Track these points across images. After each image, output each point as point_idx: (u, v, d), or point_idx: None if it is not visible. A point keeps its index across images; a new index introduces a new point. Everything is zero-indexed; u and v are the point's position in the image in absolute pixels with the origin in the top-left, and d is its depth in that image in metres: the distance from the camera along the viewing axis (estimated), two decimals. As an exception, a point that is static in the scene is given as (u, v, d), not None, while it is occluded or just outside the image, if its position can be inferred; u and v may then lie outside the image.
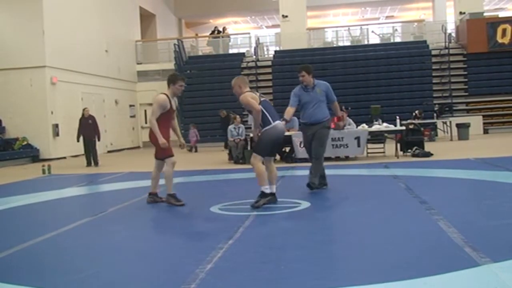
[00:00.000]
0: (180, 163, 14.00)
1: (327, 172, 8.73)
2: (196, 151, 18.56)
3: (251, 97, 6.19)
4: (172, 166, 6.58)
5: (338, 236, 4.92)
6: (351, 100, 19.80)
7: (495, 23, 21.59)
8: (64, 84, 17.84)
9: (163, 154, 6.58)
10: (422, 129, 14.03)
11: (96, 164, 14.12)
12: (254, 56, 23.47)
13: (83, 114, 14.54)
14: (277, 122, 6.26)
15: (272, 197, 6.35)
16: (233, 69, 22.90)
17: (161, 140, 6.37)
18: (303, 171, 9.10)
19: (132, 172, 12.09)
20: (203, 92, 22.23)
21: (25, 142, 16.87)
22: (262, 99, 6.30)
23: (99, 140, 14.66)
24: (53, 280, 3.85)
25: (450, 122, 18.18)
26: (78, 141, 14.55)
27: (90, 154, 14.20)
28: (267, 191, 6.18)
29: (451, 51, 22.01)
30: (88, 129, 14.27)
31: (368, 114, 17.59)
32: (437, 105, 20.41)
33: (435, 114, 19.27)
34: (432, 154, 11.99)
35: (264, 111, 6.17)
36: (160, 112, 6.48)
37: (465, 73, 21.77)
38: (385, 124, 12.87)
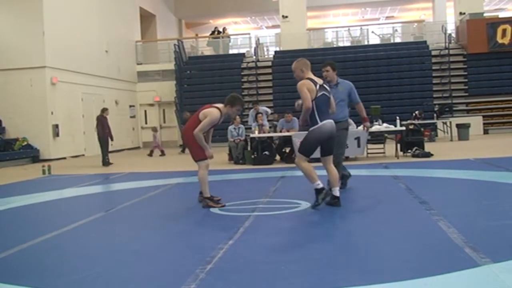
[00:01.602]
0: (180, 163, 13.97)
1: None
2: (163, 154, 17.44)
3: (308, 88, 5.77)
4: (206, 168, 6.51)
5: (338, 237, 4.92)
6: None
7: (495, 23, 21.59)
8: (64, 85, 17.84)
9: (197, 156, 6.51)
10: (422, 129, 14.03)
11: (108, 163, 14.28)
12: (254, 57, 23.47)
13: (102, 114, 14.54)
14: (326, 121, 5.88)
15: (337, 201, 6.02)
16: (233, 69, 22.95)
17: (209, 153, 6.47)
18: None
19: (132, 172, 12.09)
20: (203, 92, 22.22)
21: (25, 143, 16.87)
22: (320, 93, 5.82)
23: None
24: (53, 280, 3.85)
25: (450, 122, 18.18)
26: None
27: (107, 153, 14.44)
28: (319, 186, 5.83)
29: (451, 52, 22.01)
30: (108, 129, 14.46)
31: (368, 114, 17.52)
32: (437, 106, 20.41)
33: (435, 115, 19.27)
34: (432, 155, 11.99)
35: (315, 109, 5.80)
36: (208, 128, 6.48)
37: (465, 73, 21.77)
38: (385, 124, 12.87)
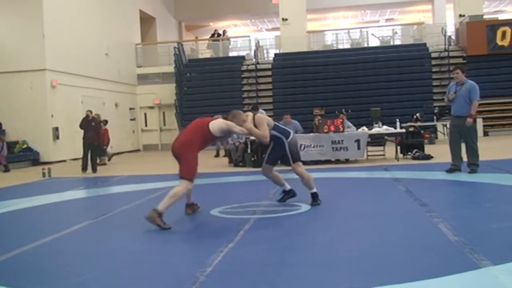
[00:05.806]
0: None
1: (327, 175, 8.69)
2: (6, 170, 14.63)
3: (267, 122, 6.38)
4: (186, 189, 5.70)
5: (338, 239, 4.91)
6: (351, 103, 19.82)
7: (494, 25, 21.59)
8: (64, 87, 17.84)
9: (186, 174, 5.67)
10: (422, 131, 14.01)
11: (95, 170, 13.17)
12: (254, 59, 23.46)
13: (87, 115, 13.72)
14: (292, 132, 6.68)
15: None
16: (233, 72, 22.96)
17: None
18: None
19: (131, 175, 12.09)
20: (203, 95, 22.24)
21: (25, 146, 16.85)
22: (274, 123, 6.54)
23: (101, 146, 13.53)
24: (53, 283, 3.85)
25: (450, 124, 18.15)
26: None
27: (87, 159, 13.23)
28: (315, 190, 6.49)
29: (451, 54, 22.01)
30: (90, 132, 13.36)
31: (368, 116, 17.58)
32: (437, 108, 20.38)
33: (435, 117, 19.26)
34: (432, 157, 11.99)
35: (282, 126, 6.61)
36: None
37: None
38: (385, 126, 12.87)
